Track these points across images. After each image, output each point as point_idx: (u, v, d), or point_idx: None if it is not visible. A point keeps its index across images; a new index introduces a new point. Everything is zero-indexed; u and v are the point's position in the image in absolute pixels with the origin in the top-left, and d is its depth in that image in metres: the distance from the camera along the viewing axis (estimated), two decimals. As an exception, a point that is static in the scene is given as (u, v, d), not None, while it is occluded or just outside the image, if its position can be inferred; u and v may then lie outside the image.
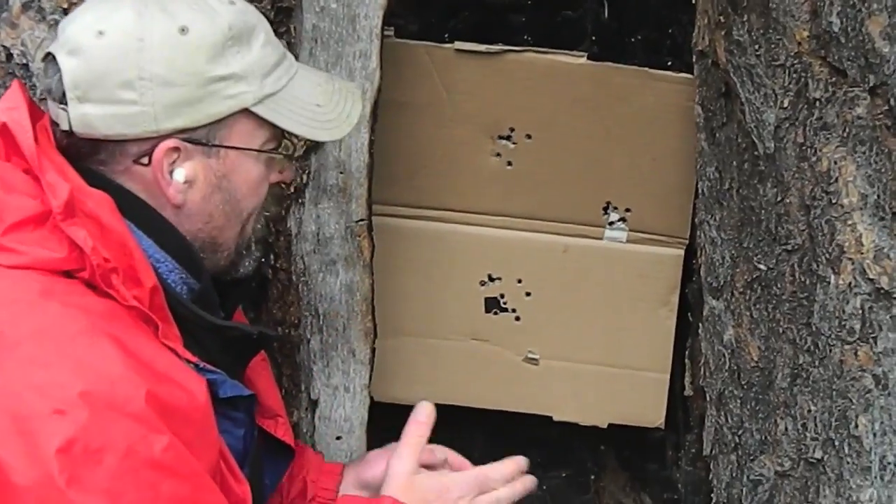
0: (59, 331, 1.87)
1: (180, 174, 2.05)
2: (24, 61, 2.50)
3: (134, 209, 2.03)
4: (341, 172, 2.79)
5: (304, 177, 2.78)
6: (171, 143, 2.02)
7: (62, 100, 2.01)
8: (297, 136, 2.18)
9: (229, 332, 2.15)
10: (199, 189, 2.07)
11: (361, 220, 2.82)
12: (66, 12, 2.43)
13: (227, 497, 1.96)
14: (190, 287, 2.11)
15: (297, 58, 2.73)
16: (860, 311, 2.50)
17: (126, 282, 1.95)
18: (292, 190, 2.78)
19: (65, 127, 2.02)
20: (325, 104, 2.17)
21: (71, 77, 2.00)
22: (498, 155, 3.29)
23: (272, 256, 2.82)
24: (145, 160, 2.03)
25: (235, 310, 2.34)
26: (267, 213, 2.30)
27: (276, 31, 2.67)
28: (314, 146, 2.76)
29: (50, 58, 2.05)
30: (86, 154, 2.04)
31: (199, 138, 2.04)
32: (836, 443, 2.56)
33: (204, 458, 1.94)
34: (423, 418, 2.36)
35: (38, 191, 1.97)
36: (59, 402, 1.79)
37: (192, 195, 2.07)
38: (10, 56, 2.51)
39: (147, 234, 2.05)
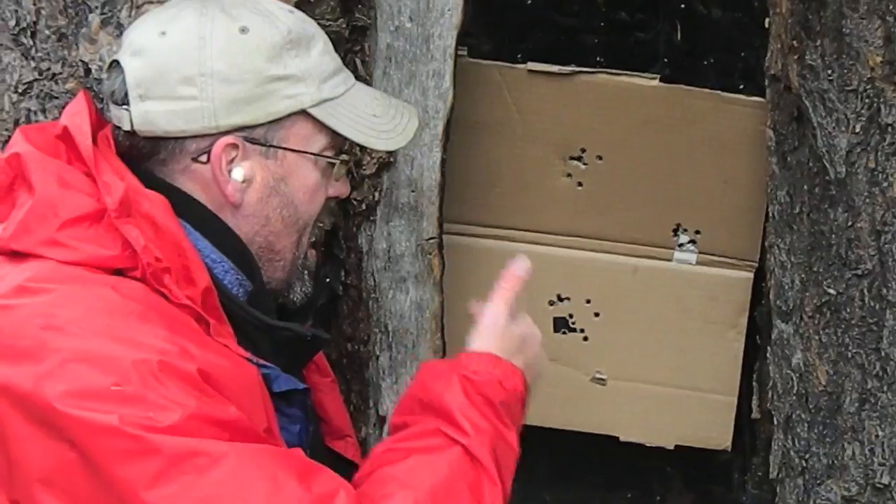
0: (110, 311, 1.89)
1: (238, 172, 2.05)
2: (102, 76, 2.54)
3: (192, 210, 2.05)
4: (413, 191, 2.81)
5: (376, 194, 2.80)
6: (229, 139, 2.04)
7: (124, 100, 2.04)
8: (354, 146, 2.20)
9: (282, 332, 2.12)
10: (256, 189, 2.08)
11: (432, 238, 2.84)
12: (145, 29, 2.47)
13: None
14: (245, 289, 2.12)
15: (370, 76, 2.76)
16: (930, 338, 2.50)
17: (179, 281, 1.97)
18: (364, 207, 2.80)
19: (126, 127, 2.05)
20: (381, 115, 2.16)
21: (133, 76, 2.03)
22: (569, 175, 3.30)
23: (343, 273, 2.84)
24: (204, 158, 2.05)
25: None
26: (321, 224, 2.29)
27: (350, 50, 2.71)
28: (387, 164, 2.78)
29: (114, 64, 2.09)
30: (146, 154, 2.06)
31: (258, 138, 2.05)
32: (904, 469, 2.56)
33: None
34: (520, 272, 2.32)
35: (96, 190, 1.99)
36: (114, 375, 1.82)
37: (249, 195, 2.08)
38: (88, 71, 2.55)
39: (204, 235, 2.06)
